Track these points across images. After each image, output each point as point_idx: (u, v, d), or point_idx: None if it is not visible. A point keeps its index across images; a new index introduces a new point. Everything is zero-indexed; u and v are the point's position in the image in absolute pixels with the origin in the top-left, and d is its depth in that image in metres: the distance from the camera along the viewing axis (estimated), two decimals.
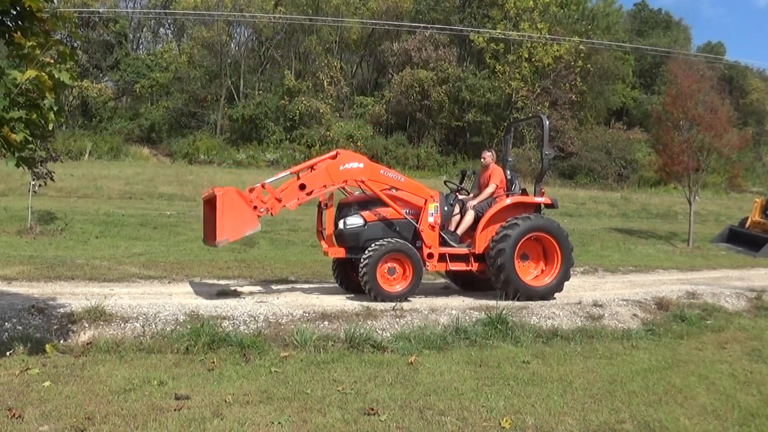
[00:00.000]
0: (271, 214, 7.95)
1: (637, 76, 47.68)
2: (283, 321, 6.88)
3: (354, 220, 8.30)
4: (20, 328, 6.14)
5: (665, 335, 7.73)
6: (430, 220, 8.43)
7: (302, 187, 7.95)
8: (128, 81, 39.87)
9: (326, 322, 6.95)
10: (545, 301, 8.46)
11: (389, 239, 8.18)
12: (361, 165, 8.26)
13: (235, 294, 8.29)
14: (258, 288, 8.98)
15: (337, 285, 9.05)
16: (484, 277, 8.96)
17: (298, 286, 9.39)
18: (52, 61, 4.88)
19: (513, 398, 5.13)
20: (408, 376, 5.58)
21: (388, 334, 6.86)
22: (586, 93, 39.58)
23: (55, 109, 4.92)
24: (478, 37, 38.06)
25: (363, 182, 8.21)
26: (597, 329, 7.64)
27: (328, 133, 35.11)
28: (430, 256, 8.43)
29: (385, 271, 8.08)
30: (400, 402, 4.90)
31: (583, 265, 12.72)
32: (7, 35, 4.77)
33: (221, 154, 34.75)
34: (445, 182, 10.26)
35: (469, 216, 8.87)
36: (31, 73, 4.62)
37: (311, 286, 9.47)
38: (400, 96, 38.00)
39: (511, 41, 37.87)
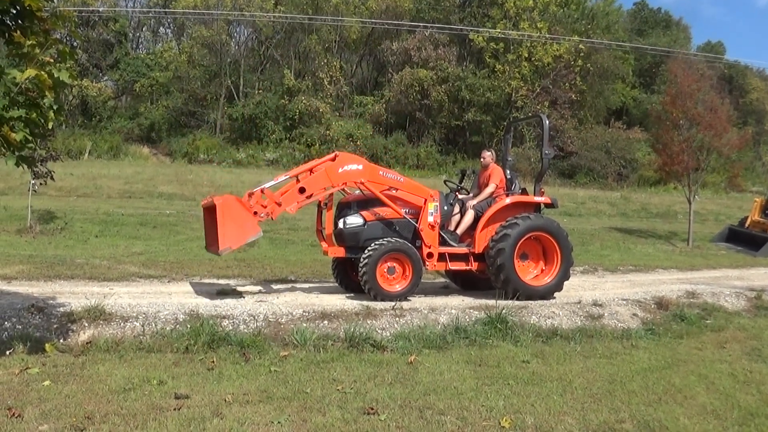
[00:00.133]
0: (272, 219, 7.95)
1: (637, 75, 47.66)
2: (282, 320, 6.88)
3: (354, 220, 8.30)
4: (20, 327, 6.14)
5: (665, 335, 7.74)
6: (430, 219, 8.43)
7: (302, 190, 7.95)
8: (128, 80, 39.83)
9: (326, 322, 6.96)
10: (545, 301, 8.46)
11: (389, 239, 8.18)
12: (360, 167, 8.26)
13: (235, 293, 8.29)
14: (258, 287, 8.98)
15: (336, 284, 9.04)
16: (484, 277, 8.96)
17: (297, 285, 9.39)
18: (52, 60, 4.88)
19: (513, 398, 5.13)
20: (408, 376, 5.59)
21: (388, 334, 6.87)
22: (585, 92, 39.56)
23: (54, 108, 4.93)
24: (477, 37, 38.04)
25: (362, 184, 8.21)
26: (597, 329, 7.65)
27: (327, 132, 35.09)
28: (430, 255, 8.42)
29: (385, 270, 8.08)
30: (400, 401, 4.90)
31: (583, 265, 12.72)
32: (6, 34, 4.77)
33: (221, 153, 34.73)
34: (444, 182, 10.26)
35: (469, 215, 8.87)
36: (30, 72, 4.62)
37: (311, 285, 9.47)
38: (400, 95, 37.97)
39: (510, 40, 37.84)
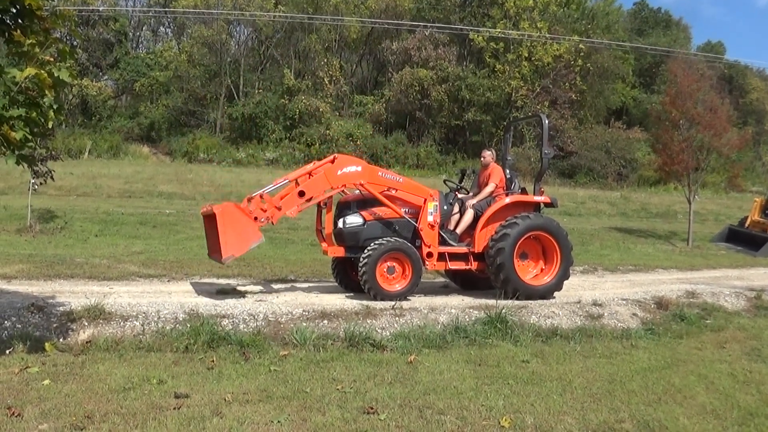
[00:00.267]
0: (272, 223, 7.95)
1: (637, 75, 47.66)
2: (282, 320, 6.88)
3: (353, 219, 8.30)
4: (20, 326, 6.14)
5: (665, 335, 7.74)
6: (430, 219, 8.43)
7: (301, 194, 7.95)
8: (128, 79, 39.83)
9: (326, 321, 6.96)
10: (545, 300, 8.46)
11: (388, 238, 8.18)
12: (359, 168, 8.27)
13: (235, 292, 8.29)
14: (257, 287, 8.98)
15: (336, 284, 9.04)
16: (484, 276, 8.96)
17: (297, 284, 9.39)
18: (52, 59, 4.88)
19: (512, 397, 5.13)
20: (407, 375, 5.59)
21: (388, 333, 6.87)
22: (585, 92, 39.55)
23: (54, 107, 4.93)
24: (477, 36, 38.04)
25: (362, 185, 8.22)
26: (596, 328, 7.65)
27: (327, 132, 35.07)
28: (430, 255, 8.42)
29: (385, 270, 8.08)
30: (400, 401, 4.90)
31: (583, 265, 12.72)
32: (6, 33, 4.77)
33: (221, 152, 34.71)
34: (444, 181, 10.26)
35: (469, 215, 8.87)
36: (30, 71, 4.62)
37: (311, 284, 9.47)
38: (400, 95, 37.96)
39: (510, 40, 37.83)
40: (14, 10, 4.75)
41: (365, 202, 8.42)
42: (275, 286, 9.05)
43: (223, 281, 9.18)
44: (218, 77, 39.33)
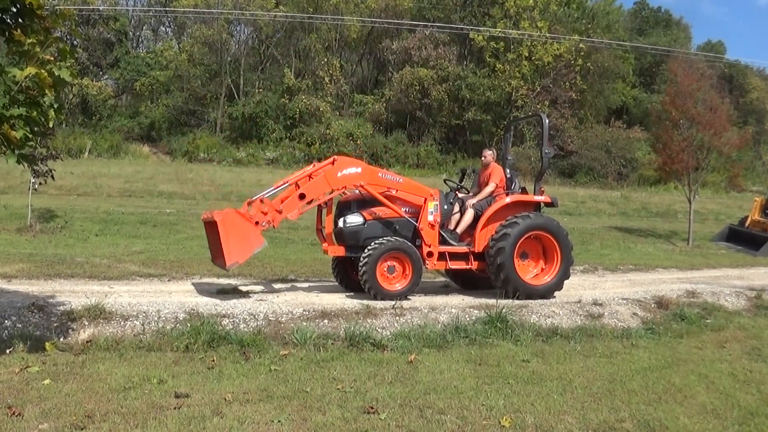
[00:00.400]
0: (273, 227, 7.95)
1: (637, 74, 47.65)
2: (282, 319, 6.88)
3: (354, 219, 8.30)
4: (20, 326, 6.14)
5: (665, 334, 7.73)
6: (430, 218, 8.43)
7: (302, 196, 7.96)
8: (128, 79, 39.83)
9: (326, 321, 6.96)
10: (545, 300, 8.46)
11: (389, 238, 8.18)
12: (359, 169, 8.27)
13: (235, 292, 8.29)
14: (258, 286, 8.98)
15: (336, 283, 9.05)
16: (484, 276, 8.96)
17: (298, 284, 9.39)
18: (52, 58, 4.88)
19: (513, 397, 5.13)
20: (408, 375, 5.58)
21: (388, 333, 6.87)
22: (586, 92, 39.53)
23: (55, 106, 4.93)
24: (478, 36, 38.03)
25: (362, 186, 8.22)
26: (597, 328, 7.64)
27: (327, 131, 35.06)
28: (430, 254, 8.42)
29: (385, 269, 8.07)
30: (400, 400, 4.90)
31: (583, 264, 12.72)
32: (7, 32, 4.77)
33: (221, 152, 34.71)
34: (444, 181, 10.26)
35: (469, 214, 8.86)
36: (30, 70, 4.62)
37: (311, 284, 9.47)
38: (400, 94, 37.95)
39: (511, 40, 37.82)
40: (15, 9, 4.75)
41: (365, 202, 8.42)
42: (276, 286, 9.05)
43: (223, 281, 9.18)
44: (218, 77, 39.32)
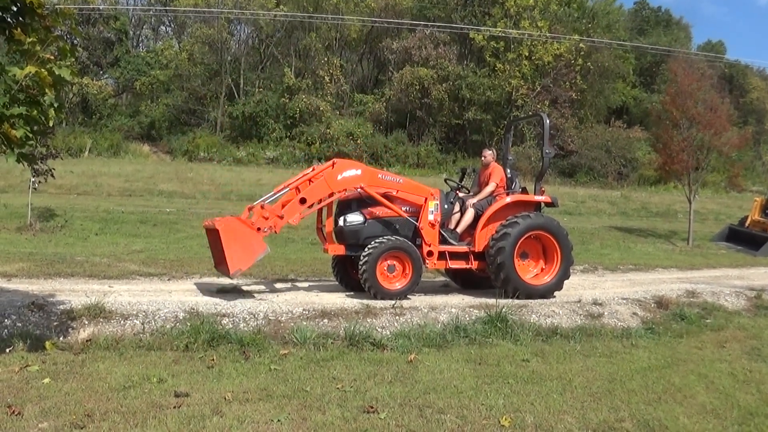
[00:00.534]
0: (275, 232, 7.95)
1: (638, 74, 47.63)
2: (282, 319, 6.88)
3: (354, 218, 8.30)
4: (20, 324, 6.14)
5: (665, 334, 7.73)
6: (430, 218, 8.43)
7: (303, 201, 7.96)
8: (128, 78, 39.80)
9: (326, 320, 6.96)
10: (545, 300, 8.46)
11: (389, 237, 8.18)
12: (359, 171, 8.28)
13: (235, 291, 8.30)
14: (258, 285, 8.98)
15: (336, 282, 9.05)
16: (484, 276, 8.96)
17: (297, 283, 9.40)
18: (53, 57, 4.88)
19: (512, 396, 5.13)
20: (407, 374, 5.58)
21: (388, 332, 6.87)
22: (586, 91, 39.53)
23: (55, 105, 4.92)
24: (478, 35, 38.03)
25: (362, 188, 8.22)
26: (596, 328, 7.64)
27: (328, 130, 35.06)
28: (430, 254, 8.42)
29: (385, 268, 8.07)
30: (400, 400, 4.90)
31: (583, 264, 12.72)
32: (7, 31, 4.77)
33: (221, 151, 34.71)
34: (445, 180, 10.26)
35: (469, 214, 8.86)
36: (31, 69, 4.61)
37: (311, 283, 9.47)
38: (400, 94, 37.95)
39: (511, 39, 37.81)
40: (15, 8, 4.75)
41: (366, 201, 8.42)
42: (275, 285, 9.05)
43: (223, 280, 9.14)
44: (219, 76, 39.31)
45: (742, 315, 9.07)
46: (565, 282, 8.92)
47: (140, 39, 47.05)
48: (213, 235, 7.85)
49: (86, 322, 6.36)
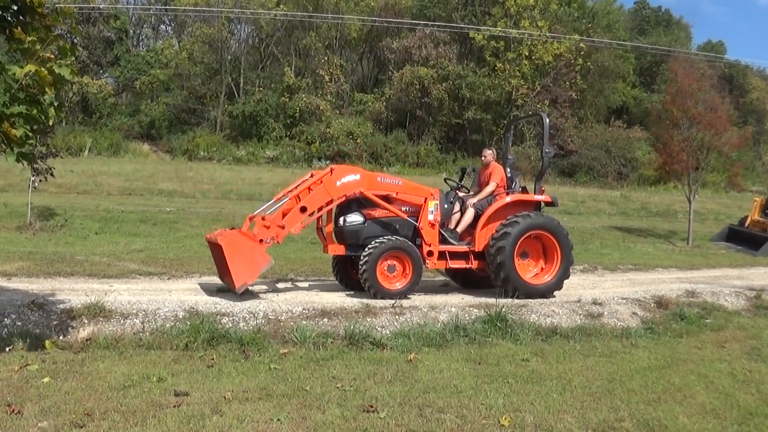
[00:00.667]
0: (278, 243, 7.96)
1: (638, 74, 47.62)
2: (282, 318, 6.89)
3: (354, 218, 8.30)
4: (20, 324, 6.15)
5: (664, 334, 7.73)
6: (430, 217, 8.43)
7: (303, 209, 7.97)
8: (128, 77, 39.79)
9: (326, 320, 6.96)
10: (545, 299, 8.46)
11: (389, 237, 8.18)
12: (358, 176, 8.28)
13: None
14: (257, 285, 8.97)
15: (336, 282, 9.05)
16: (484, 275, 8.96)
17: (297, 283, 9.40)
18: (53, 56, 4.88)
19: (512, 396, 5.13)
20: (407, 374, 5.59)
21: (388, 332, 6.87)
22: (586, 91, 39.52)
23: (55, 104, 4.93)
24: (478, 35, 38.02)
25: (362, 193, 8.22)
26: (596, 327, 7.64)
27: (328, 130, 35.05)
28: (430, 253, 8.43)
29: (385, 268, 8.08)
30: (400, 399, 4.90)
31: (583, 264, 12.72)
32: (7, 30, 4.77)
33: (221, 150, 34.70)
34: (445, 180, 10.26)
35: (469, 214, 8.86)
36: (31, 68, 4.61)
37: (311, 283, 9.47)
38: (400, 93, 37.93)
39: (511, 39, 37.81)
40: (15, 7, 4.75)
41: (366, 201, 8.42)
42: (275, 285, 9.05)
43: None
44: (219, 75, 39.29)
45: (741, 315, 9.08)
46: (565, 282, 8.92)
47: (140, 38, 47.06)
48: (216, 249, 7.85)
49: (86, 321, 6.36)
